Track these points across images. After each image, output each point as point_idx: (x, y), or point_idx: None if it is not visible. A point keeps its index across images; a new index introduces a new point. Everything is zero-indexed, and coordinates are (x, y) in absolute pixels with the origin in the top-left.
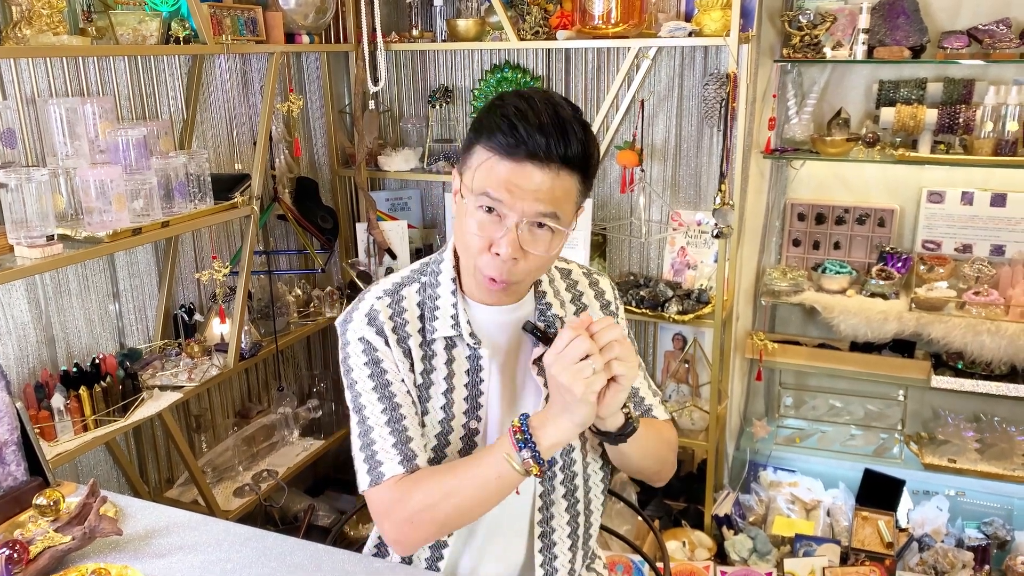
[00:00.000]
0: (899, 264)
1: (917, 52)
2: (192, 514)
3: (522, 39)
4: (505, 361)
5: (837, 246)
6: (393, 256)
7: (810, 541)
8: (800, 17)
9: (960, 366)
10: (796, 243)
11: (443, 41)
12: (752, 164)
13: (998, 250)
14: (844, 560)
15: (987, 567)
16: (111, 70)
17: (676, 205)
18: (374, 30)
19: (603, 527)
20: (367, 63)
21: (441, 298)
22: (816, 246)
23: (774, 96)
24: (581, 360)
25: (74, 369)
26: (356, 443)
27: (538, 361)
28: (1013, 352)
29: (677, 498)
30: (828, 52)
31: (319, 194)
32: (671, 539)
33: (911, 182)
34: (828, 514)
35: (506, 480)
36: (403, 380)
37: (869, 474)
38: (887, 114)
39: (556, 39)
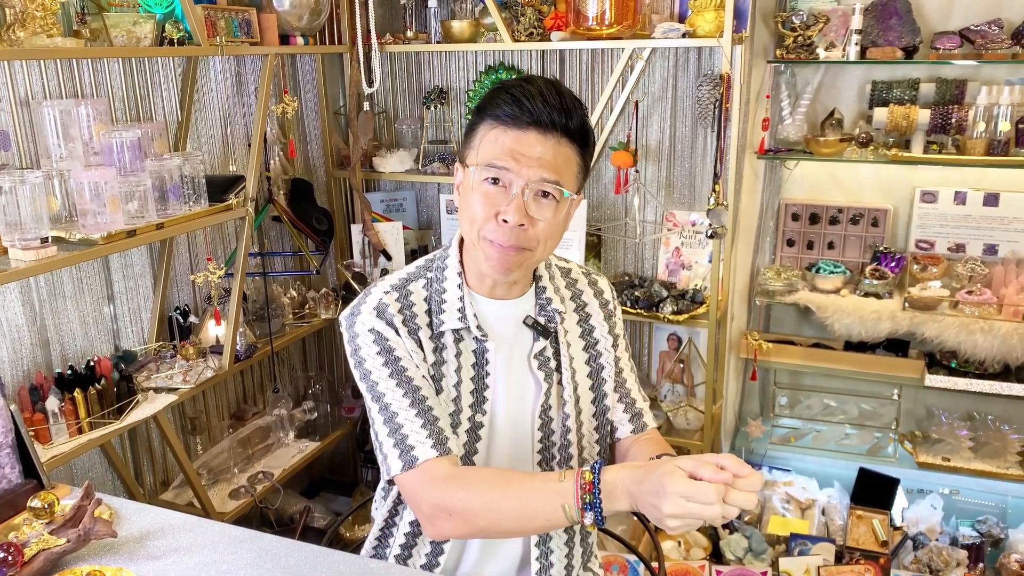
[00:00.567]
0: (893, 264)
1: (910, 53)
2: (187, 516)
3: (516, 40)
4: (508, 355)
5: (831, 246)
6: (388, 257)
7: (805, 540)
8: (793, 18)
9: (954, 365)
10: (790, 243)
11: (438, 42)
12: (746, 164)
13: (991, 249)
14: (839, 559)
15: (981, 565)
16: (105, 72)
17: (671, 206)
18: (369, 31)
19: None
20: (362, 64)
21: (448, 292)
22: (810, 246)
23: (768, 97)
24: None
25: (69, 371)
26: (382, 431)
27: (538, 356)
28: (1006, 351)
29: None
30: (821, 53)
31: (314, 196)
32: (666, 539)
33: (904, 182)
34: (823, 513)
35: (554, 523)
36: (418, 366)
37: (864, 473)
38: (880, 114)
39: (550, 40)
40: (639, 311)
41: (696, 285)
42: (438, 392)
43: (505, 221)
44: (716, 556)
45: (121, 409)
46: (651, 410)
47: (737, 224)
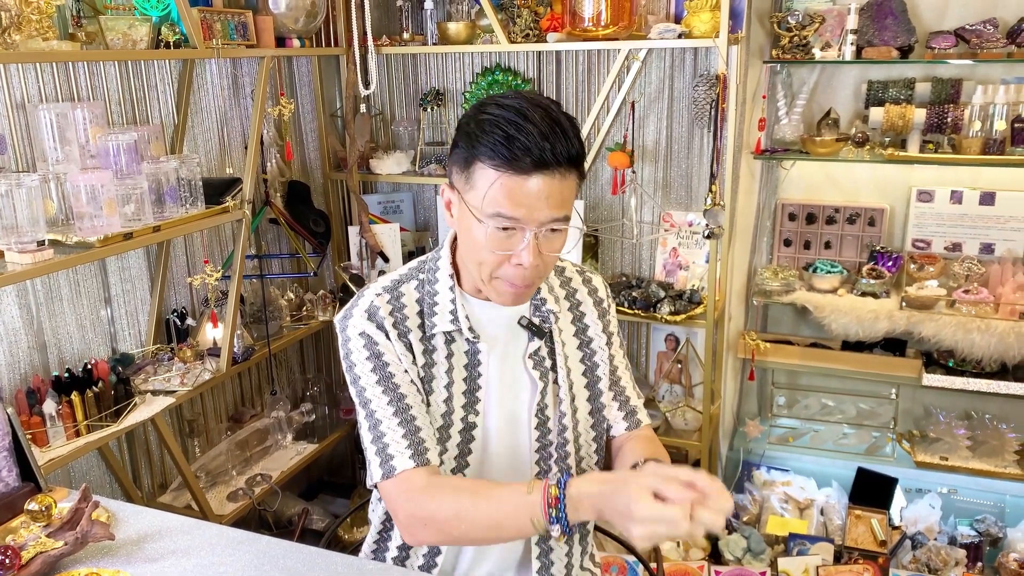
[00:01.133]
0: (889, 263)
1: (905, 52)
2: (185, 518)
3: (512, 42)
4: (502, 355)
5: (828, 246)
6: (386, 259)
7: (804, 540)
8: (789, 18)
9: (951, 364)
10: (787, 243)
11: (434, 44)
12: (743, 165)
13: (987, 248)
14: (838, 559)
15: (980, 564)
16: (101, 75)
17: (667, 206)
18: (365, 33)
19: (597, 527)
20: (358, 66)
21: (439, 294)
22: (807, 246)
23: (764, 97)
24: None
25: (66, 374)
26: (366, 436)
27: (533, 355)
28: (1003, 349)
29: None
30: (817, 53)
31: (311, 198)
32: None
33: (900, 181)
34: (821, 513)
35: (524, 533)
36: (406, 371)
37: (862, 472)
38: (876, 114)
39: (546, 41)
40: (636, 312)
41: (693, 285)
42: (429, 394)
43: (520, 264)
44: (715, 556)
45: (119, 412)
46: (647, 408)
47: (734, 224)
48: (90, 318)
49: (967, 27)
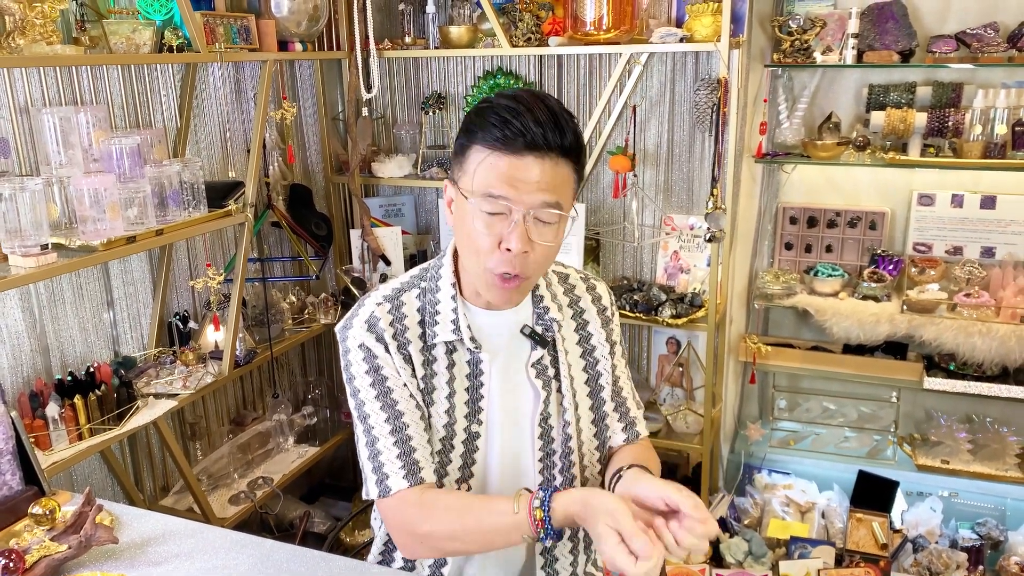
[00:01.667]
0: (891, 267)
1: (906, 56)
2: (188, 522)
3: (514, 46)
4: (504, 364)
5: (829, 249)
6: (387, 262)
7: (805, 543)
8: (790, 22)
9: (952, 367)
10: (788, 246)
11: (436, 48)
12: (744, 168)
13: (988, 252)
14: (839, 562)
15: (981, 568)
16: (105, 79)
17: (669, 209)
18: (367, 37)
19: None
20: (360, 70)
21: (441, 303)
22: (808, 249)
23: (765, 101)
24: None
25: (69, 378)
26: (363, 451)
27: (536, 364)
28: (1004, 353)
29: None
30: (818, 57)
31: (313, 201)
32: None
33: (901, 185)
34: (823, 516)
35: (513, 544)
36: (405, 385)
37: (863, 476)
38: (877, 118)
39: (548, 45)
40: (638, 315)
41: (695, 289)
42: (430, 405)
43: (508, 249)
44: (716, 560)
45: (121, 415)
46: (649, 415)
47: (735, 228)
48: (93, 321)
49: (968, 31)
